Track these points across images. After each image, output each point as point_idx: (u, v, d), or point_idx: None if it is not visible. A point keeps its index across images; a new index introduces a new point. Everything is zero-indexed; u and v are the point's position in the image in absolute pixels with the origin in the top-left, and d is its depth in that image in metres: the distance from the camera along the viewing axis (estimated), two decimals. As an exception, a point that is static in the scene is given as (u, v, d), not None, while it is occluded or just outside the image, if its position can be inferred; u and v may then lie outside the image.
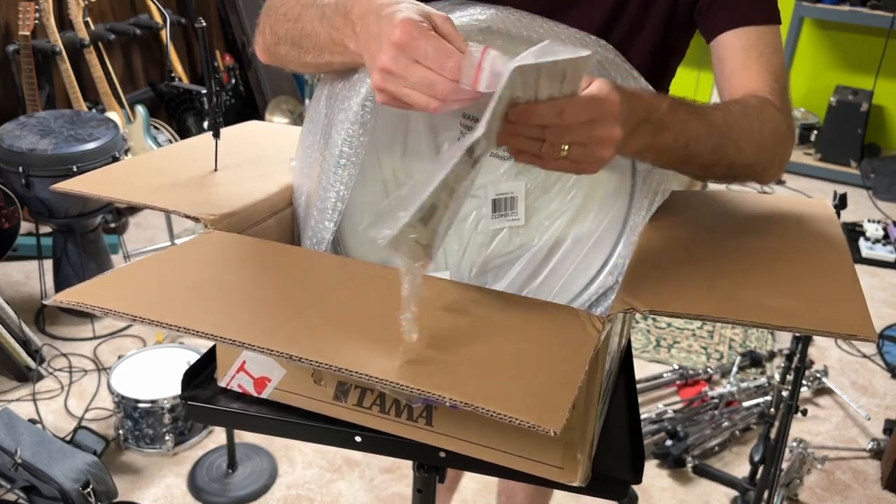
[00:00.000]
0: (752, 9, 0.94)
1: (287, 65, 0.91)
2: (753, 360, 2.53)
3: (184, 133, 3.54)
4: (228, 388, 0.81)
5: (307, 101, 3.87)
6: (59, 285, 2.58)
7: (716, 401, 2.31)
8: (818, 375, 2.44)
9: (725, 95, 0.96)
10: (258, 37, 0.93)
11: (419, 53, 0.67)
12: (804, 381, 2.37)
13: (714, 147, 0.82)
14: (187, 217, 0.85)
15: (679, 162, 0.82)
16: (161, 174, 0.98)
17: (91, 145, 2.33)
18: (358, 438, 0.77)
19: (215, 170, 1.00)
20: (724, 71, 0.96)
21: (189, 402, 0.81)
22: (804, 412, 1.95)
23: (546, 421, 0.55)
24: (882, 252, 3.29)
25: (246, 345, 0.62)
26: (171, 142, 3.30)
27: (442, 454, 0.75)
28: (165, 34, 3.50)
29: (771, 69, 0.94)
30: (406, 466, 2.05)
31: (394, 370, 0.60)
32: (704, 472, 2.07)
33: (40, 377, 2.30)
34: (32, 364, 2.29)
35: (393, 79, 0.68)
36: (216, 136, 1.04)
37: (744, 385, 2.37)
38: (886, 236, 3.42)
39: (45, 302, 0.72)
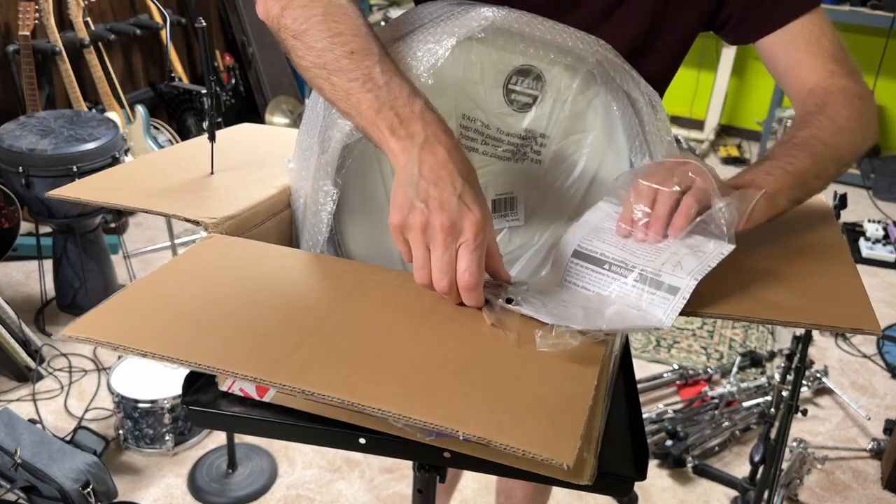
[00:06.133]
0: (785, 6, 0.93)
1: (286, 51, 0.82)
2: (753, 360, 2.53)
3: (184, 133, 3.54)
4: (230, 391, 0.80)
5: (307, 101, 3.87)
6: (59, 285, 2.58)
7: (716, 401, 2.31)
8: (818, 375, 2.45)
9: (789, 89, 0.96)
10: (270, 1, 0.81)
11: (467, 251, 0.68)
12: (804, 381, 2.37)
13: (821, 173, 0.85)
14: (187, 221, 0.85)
15: (799, 202, 0.86)
16: (159, 178, 0.98)
17: (91, 145, 2.33)
18: (362, 440, 0.76)
19: (212, 173, 1.00)
20: (777, 68, 0.96)
21: (191, 407, 0.81)
22: (804, 412, 1.95)
23: (559, 454, 0.55)
24: (882, 252, 3.29)
25: (258, 379, 0.62)
26: (171, 142, 3.30)
27: (447, 454, 0.75)
28: (165, 34, 3.50)
29: (825, 53, 0.92)
30: (406, 466, 2.05)
31: (407, 403, 0.60)
32: (704, 472, 2.08)
33: (40, 377, 2.30)
34: (32, 364, 2.29)
35: (423, 237, 0.69)
36: (212, 139, 1.04)
37: (744, 385, 2.37)
38: (886, 236, 3.42)
39: (55, 338, 0.73)
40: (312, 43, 0.77)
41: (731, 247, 0.73)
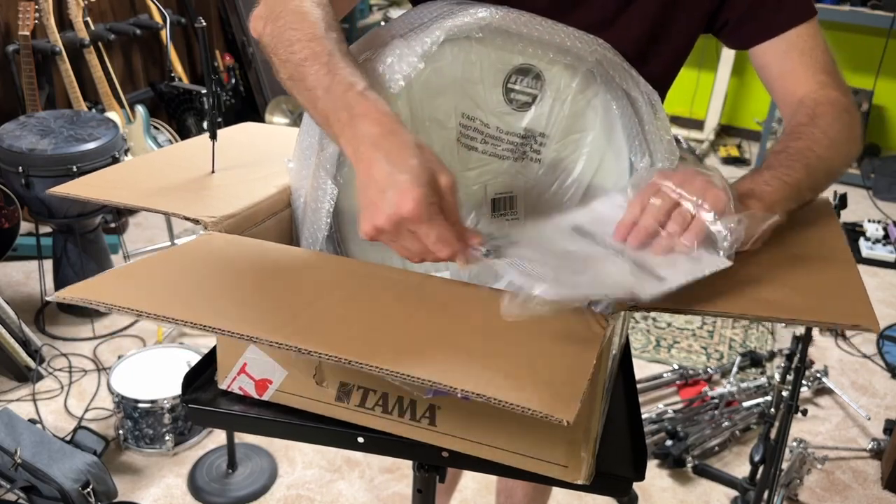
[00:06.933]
0: (783, 14, 0.93)
1: (273, 70, 0.84)
2: (753, 360, 2.53)
3: (184, 133, 3.54)
4: (229, 390, 0.80)
5: (307, 100, 3.85)
6: (59, 285, 2.58)
7: (716, 401, 2.31)
8: (818, 375, 2.44)
9: (779, 97, 0.96)
10: (257, 21, 0.83)
11: (422, 233, 0.68)
12: (804, 381, 2.37)
13: (813, 185, 0.87)
14: (187, 219, 0.85)
15: (792, 213, 0.86)
16: (159, 177, 0.98)
17: (91, 145, 2.33)
18: (360, 439, 0.77)
19: (212, 172, 1.00)
20: (770, 75, 0.96)
21: (190, 406, 0.81)
22: (804, 412, 1.95)
23: (559, 411, 0.55)
24: (882, 252, 3.29)
25: (254, 338, 0.61)
26: (171, 142, 3.30)
27: (445, 454, 0.75)
28: (165, 34, 3.50)
29: (817, 65, 0.93)
30: (406, 466, 2.05)
31: (404, 362, 0.60)
32: (704, 472, 2.07)
33: (40, 377, 2.30)
34: (32, 364, 2.29)
35: (385, 237, 0.69)
36: (213, 138, 1.04)
37: (744, 385, 2.37)
38: (886, 236, 3.42)
39: (47, 298, 0.72)
40: (281, 56, 0.78)
41: (729, 263, 0.73)
